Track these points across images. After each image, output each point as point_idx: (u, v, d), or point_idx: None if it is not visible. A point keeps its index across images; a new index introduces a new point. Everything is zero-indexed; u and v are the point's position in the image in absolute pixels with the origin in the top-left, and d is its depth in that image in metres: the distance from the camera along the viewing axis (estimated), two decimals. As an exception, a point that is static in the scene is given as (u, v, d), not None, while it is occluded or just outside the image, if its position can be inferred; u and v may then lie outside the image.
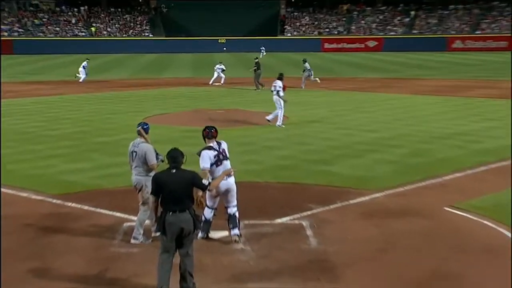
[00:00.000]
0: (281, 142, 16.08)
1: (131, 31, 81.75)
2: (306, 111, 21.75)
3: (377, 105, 24.25)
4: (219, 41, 75.84)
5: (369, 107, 23.59)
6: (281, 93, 18.49)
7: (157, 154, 8.50)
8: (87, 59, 37.51)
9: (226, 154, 8.15)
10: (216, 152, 8.07)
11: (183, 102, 25.66)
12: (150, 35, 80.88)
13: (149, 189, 7.22)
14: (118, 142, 15.70)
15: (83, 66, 35.70)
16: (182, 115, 21.84)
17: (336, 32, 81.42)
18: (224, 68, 34.39)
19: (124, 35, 79.80)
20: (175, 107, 23.97)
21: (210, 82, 33.59)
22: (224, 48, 37.31)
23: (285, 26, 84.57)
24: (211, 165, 8.02)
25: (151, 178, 7.09)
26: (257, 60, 32.12)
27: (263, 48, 65.95)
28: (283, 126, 18.41)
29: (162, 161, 8.04)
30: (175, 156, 6.77)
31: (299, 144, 15.77)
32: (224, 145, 8.23)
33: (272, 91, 18.87)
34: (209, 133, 8.27)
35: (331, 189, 11.28)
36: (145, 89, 31.39)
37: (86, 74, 35.58)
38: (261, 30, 78.63)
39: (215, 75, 33.80)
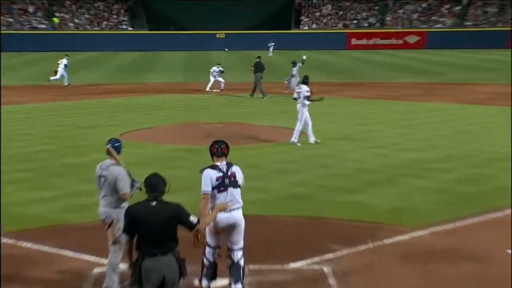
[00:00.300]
0: (295, 164, 16.13)
1: (105, 22, 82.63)
2: (327, 125, 21.86)
3: (418, 117, 24.32)
4: (217, 35, 76.48)
5: (408, 120, 23.66)
6: (307, 102, 18.64)
7: (132, 180, 8.52)
8: (66, 55, 38.09)
9: (235, 180, 8.16)
10: (220, 174, 8.10)
11: (172, 114, 25.81)
12: (129, 28, 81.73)
13: (122, 224, 7.11)
14: (89, 164, 15.75)
15: (65, 65, 36.37)
16: (171, 130, 21.96)
17: (366, 25, 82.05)
18: (223, 70, 34.62)
19: (95, 28, 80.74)
20: (162, 119, 24.13)
21: (207, 89, 33.80)
22: (226, 49, 37.47)
23: (301, 17, 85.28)
24: (212, 189, 8.06)
25: (124, 210, 7.07)
26: (258, 59, 32.31)
27: (272, 44, 66.21)
28: (299, 144, 18.53)
29: (140, 189, 8.05)
30: (154, 184, 6.75)
31: (318, 167, 15.82)
32: (235, 169, 8.23)
33: (295, 99, 19.04)
34: (218, 150, 8.31)
35: (359, 224, 11.31)
36: (123, 97, 31.63)
37: (62, 74, 36.19)
38: (270, 22, 79.17)
39: (212, 79, 34.04)
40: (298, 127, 18.62)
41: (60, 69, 36.36)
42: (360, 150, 17.86)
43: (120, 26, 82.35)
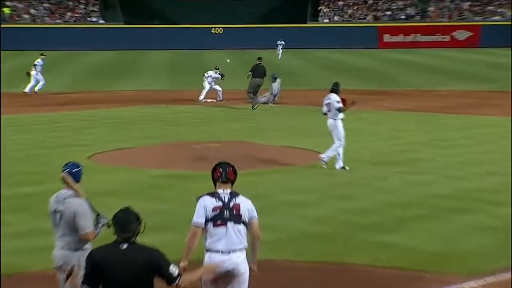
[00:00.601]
0: (312, 195, 16.18)
1: (69, 14, 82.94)
2: (353, 145, 21.79)
3: (469, 135, 24.38)
4: (213, 30, 76.78)
5: (455, 138, 23.68)
6: (340, 114, 18.72)
7: (97, 215, 8.55)
8: (41, 54, 38.61)
9: (238, 214, 8.12)
10: (219, 204, 8.09)
11: (156, 130, 25.92)
12: (101, 21, 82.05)
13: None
14: (49, 195, 15.76)
15: (36, 65, 36.98)
16: (153, 151, 22.03)
17: (403, 17, 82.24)
18: (223, 75, 34.70)
19: (57, 21, 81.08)
20: (142, 138, 24.23)
21: (201, 98, 33.91)
22: (228, 60, 37.39)
23: (319, 7, 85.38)
24: (207, 221, 8.09)
25: (86, 253, 7.07)
26: (259, 61, 32.39)
27: (282, 42, 66.05)
28: (347, 168, 18.59)
29: (108, 226, 8.06)
30: (125, 221, 6.71)
31: (342, 198, 15.86)
32: (240, 200, 8.17)
33: (324, 113, 19.11)
34: (223, 175, 8.31)
35: (393, 273, 11.31)
36: (93, 109, 31.78)
37: (36, 79, 36.82)
38: (280, 14, 79.42)
39: (207, 86, 34.15)
40: (337, 147, 18.63)
41: (34, 73, 36.68)
42: (394, 177, 17.91)
43: (89, 19, 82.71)
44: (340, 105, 18.68)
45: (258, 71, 31.86)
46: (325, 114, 19.00)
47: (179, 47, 71.79)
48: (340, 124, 18.74)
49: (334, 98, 18.83)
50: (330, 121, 18.85)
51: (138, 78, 46.13)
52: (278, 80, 33.14)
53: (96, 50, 70.09)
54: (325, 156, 18.74)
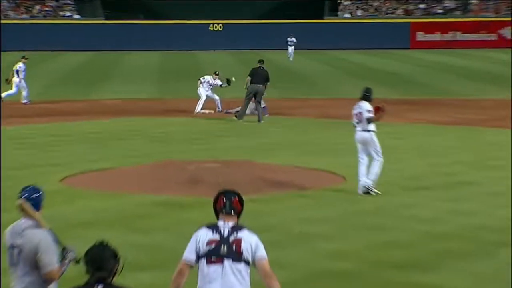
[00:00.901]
0: (332, 225, 16.12)
1: (38, 7, 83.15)
2: (383, 165, 21.78)
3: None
4: (211, 27, 76.96)
5: (505, 157, 23.52)
6: (372, 126, 18.67)
7: (63, 249, 8.50)
8: (23, 57, 38.73)
9: (239, 251, 8.04)
10: (216, 237, 8.05)
11: (141, 147, 25.90)
12: (76, 16, 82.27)
13: None
14: (5, 226, 15.74)
15: (18, 71, 37.12)
16: (138, 172, 22.01)
17: (440, 11, 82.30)
18: (221, 84, 34.67)
19: (24, 16, 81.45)
20: (126, 156, 24.19)
21: (197, 110, 33.84)
22: (233, 78, 36.74)
23: (339, 0, 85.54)
24: (198, 257, 8.04)
25: None
26: (260, 64, 32.27)
27: (293, 40, 65.97)
28: (378, 191, 18.51)
29: (77, 261, 7.94)
30: (99, 259, 6.75)
31: (368, 229, 15.80)
32: (243, 235, 8.07)
33: (355, 125, 19.08)
34: (226, 205, 8.27)
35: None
36: (67, 121, 31.74)
37: (17, 87, 37.15)
38: (291, 7, 79.59)
39: (203, 95, 34.06)
40: (380, 164, 18.59)
41: (17, 80, 36.85)
42: (433, 204, 17.81)
43: (62, 13, 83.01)
44: (370, 114, 18.65)
45: (257, 76, 31.56)
46: (355, 124, 18.95)
47: (171, 47, 72.10)
48: (375, 137, 18.69)
49: (365, 106, 18.82)
50: (362, 134, 18.77)
51: (121, 85, 46.19)
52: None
53: (70, 51, 70.43)
54: (368, 181, 18.56)
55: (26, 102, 37.34)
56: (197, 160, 23.24)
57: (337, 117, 29.60)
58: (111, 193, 19.09)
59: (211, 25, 76.77)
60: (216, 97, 34.39)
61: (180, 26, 76.00)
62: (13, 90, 37.29)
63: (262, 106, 32.02)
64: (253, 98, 31.24)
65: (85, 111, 34.85)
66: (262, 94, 31.48)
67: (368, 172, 18.72)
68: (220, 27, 76.90)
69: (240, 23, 76.44)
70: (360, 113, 18.86)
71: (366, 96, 19.13)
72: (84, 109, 35.77)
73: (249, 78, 31.76)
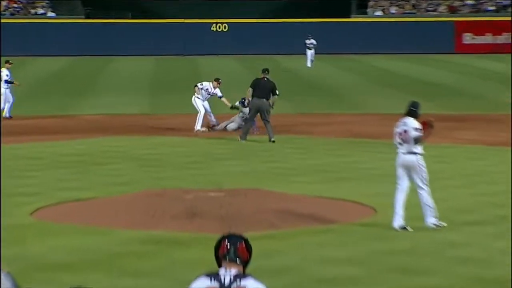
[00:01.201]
0: (359, 267, 16.10)
1: (4, 3, 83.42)
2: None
3: None
4: (213, 27, 77.22)
5: None
6: (419, 148, 18.50)
7: None
8: (7, 61, 39.14)
9: None
10: (216, 285, 8.05)
11: (129, 172, 26.01)
12: (51, 15, 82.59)
13: None
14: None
15: (5, 80, 37.48)
16: (126, 202, 22.07)
17: (491, 9, 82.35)
18: (222, 95, 34.71)
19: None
20: (110, 184, 24.25)
21: (197, 127, 33.78)
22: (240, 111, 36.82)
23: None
24: None
25: None
26: (264, 75, 32.23)
27: (312, 42, 66.08)
28: (444, 223, 18.53)
29: None
30: None
31: (401, 272, 15.78)
32: (248, 284, 8.12)
33: (397, 146, 19.00)
34: (230, 251, 8.29)
35: None
36: (41, 141, 31.80)
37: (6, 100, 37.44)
38: (311, 5, 79.75)
39: (201, 108, 34.04)
40: (428, 194, 18.60)
41: (3, 90, 37.13)
42: (481, 242, 17.77)
43: (34, 10, 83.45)
44: (419, 133, 18.47)
45: (260, 88, 31.33)
46: (397, 145, 18.80)
47: (164, 51, 72.31)
48: (422, 160, 18.56)
49: (412, 124, 18.65)
50: (406, 158, 18.60)
51: (105, 97, 46.37)
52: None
53: (44, 56, 70.69)
54: (431, 219, 18.51)
55: (8, 117, 37.63)
56: (195, 188, 23.28)
57: (365, 136, 29.73)
58: (92, 228, 19.07)
59: (214, 25, 77.04)
60: (208, 109, 34.23)
61: (176, 26, 76.35)
62: (10, 99, 37.70)
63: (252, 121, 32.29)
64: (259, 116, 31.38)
65: (61, 129, 34.95)
66: (268, 111, 31.19)
67: (404, 208, 18.63)
68: (225, 27, 77.15)
69: (249, 22, 76.74)
70: (405, 131, 18.58)
71: (413, 111, 18.98)
72: (60, 126, 35.87)
73: (250, 89, 31.48)
